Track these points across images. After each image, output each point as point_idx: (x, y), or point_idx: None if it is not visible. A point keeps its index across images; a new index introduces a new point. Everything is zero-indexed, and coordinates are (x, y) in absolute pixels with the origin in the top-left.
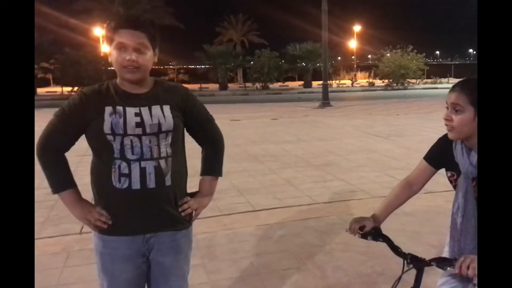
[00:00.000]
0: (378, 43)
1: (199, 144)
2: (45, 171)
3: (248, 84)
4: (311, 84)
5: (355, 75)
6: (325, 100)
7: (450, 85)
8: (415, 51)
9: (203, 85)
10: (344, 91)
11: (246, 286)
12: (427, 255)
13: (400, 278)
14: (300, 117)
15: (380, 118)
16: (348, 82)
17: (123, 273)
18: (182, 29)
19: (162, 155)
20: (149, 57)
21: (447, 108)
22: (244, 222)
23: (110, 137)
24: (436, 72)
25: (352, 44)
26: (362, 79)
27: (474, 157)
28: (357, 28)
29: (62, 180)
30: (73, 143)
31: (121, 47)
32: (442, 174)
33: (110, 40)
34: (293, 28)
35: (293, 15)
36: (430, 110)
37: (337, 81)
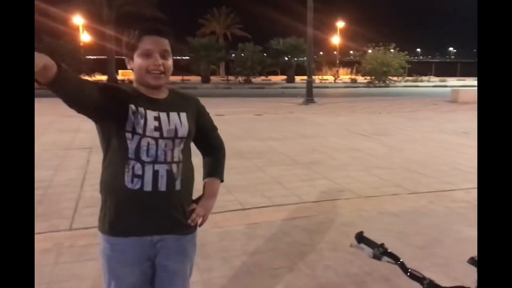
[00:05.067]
0: (360, 39)
1: (202, 152)
2: None
3: (231, 78)
4: (294, 79)
5: (337, 71)
6: (309, 96)
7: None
8: (397, 49)
9: (185, 77)
10: (327, 87)
11: (239, 285)
12: (413, 256)
13: None
14: (285, 114)
15: (363, 116)
16: (330, 78)
17: (129, 276)
18: (165, 20)
19: (175, 159)
20: (171, 63)
21: (148, 55)
22: (234, 221)
23: (128, 135)
24: (417, 70)
25: (335, 40)
26: (344, 75)
27: None
28: (340, 24)
29: None
30: (97, 108)
31: (147, 53)
32: (425, 175)
33: (133, 48)
34: (276, 23)
35: (276, 9)
36: (411, 109)
37: (320, 77)
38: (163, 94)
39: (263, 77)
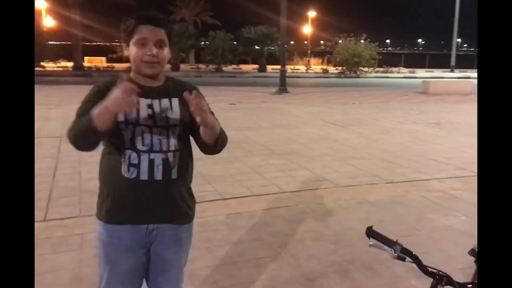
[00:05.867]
0: (331, 29)
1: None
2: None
3: (201, 66)
4: (266, 68)
5: (309, 61)
6: (283, 86)
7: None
8: (368, 40)
9: None
10: (299, 77)
11: (223, 275)
12: None
13: None
14: (259, 103)
15: (337, 106)
16: (302, 67)
17: (125, 262)
18: (133, 6)
19: (171, 148)
20: (167, 53)
21: (143, 44)
22: (214, 211)
23: (122, 126)
24: (387, 61)
25: (306, 29)
26: (315, 65)
27: None
28: (311, 13)
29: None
30: None
31: (142, 43)
32: (400, 165)
33: (128, 36)
34: (247, 11)
35: None
36: (383, 100)
37: (292, 66)
38: (158, 82)
39: (234, 66)
